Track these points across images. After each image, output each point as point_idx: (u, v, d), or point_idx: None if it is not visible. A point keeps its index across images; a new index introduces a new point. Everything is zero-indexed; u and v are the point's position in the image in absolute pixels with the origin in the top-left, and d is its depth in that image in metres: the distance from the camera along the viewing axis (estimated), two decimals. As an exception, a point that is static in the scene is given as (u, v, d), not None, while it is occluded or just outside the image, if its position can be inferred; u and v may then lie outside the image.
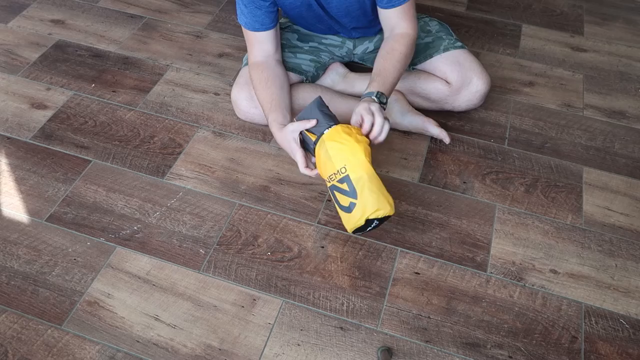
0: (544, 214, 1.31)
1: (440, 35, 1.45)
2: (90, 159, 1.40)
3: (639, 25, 1.90)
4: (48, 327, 1.08)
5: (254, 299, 1.14)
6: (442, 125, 1.47)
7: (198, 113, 1.53)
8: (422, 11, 1.85)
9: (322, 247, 1.23)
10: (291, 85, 1.40)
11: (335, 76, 1.51)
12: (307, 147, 1.18)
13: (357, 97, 1.43)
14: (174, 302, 1.13)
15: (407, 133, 1.47)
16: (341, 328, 1.10)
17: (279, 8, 1.33)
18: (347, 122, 1.19)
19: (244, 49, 1.72)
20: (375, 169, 1.37)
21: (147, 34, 1.79)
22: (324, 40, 1.48)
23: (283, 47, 1.43)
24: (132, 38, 1.77)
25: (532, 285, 1.17)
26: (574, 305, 1.14)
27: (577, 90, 1.64)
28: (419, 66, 1.45)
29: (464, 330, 1.10)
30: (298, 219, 1.28)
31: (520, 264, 1.21)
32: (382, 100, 1.19)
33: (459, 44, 1.44)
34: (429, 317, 1.12)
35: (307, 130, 1.16)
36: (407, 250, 1.22)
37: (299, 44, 1.47)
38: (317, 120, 1.15)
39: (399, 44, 1.27)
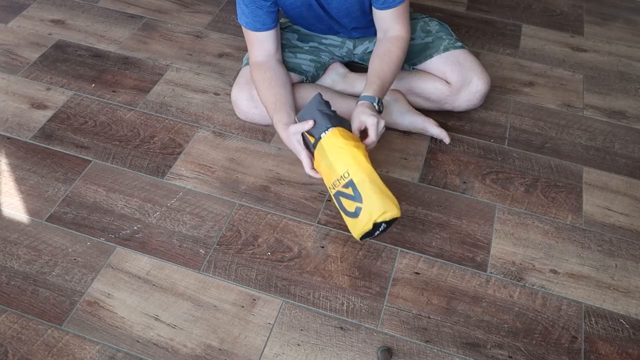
0: (544, 214, 1.31)
1: (440, 35, 1.45)
2: (90, 159, 1.40)
3: (639, 25, 1.91)
4: (48, 327, 1.08)
5: (254, 299, 1.14)
6: (442, 125, 1.47)
7: (198, 113, 1.53)
8: (422, 11, 1.85)
9: (322, 247, 1.23)
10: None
11: (335, 76, 1.51)
12: (309, 148, 1.18)
13: (357, 97, 1.43)
14: (174, 302, 1.13)
15: (407, 133, 1.47)
16: (341, 328, 1.10)
17: (280, 8, 1.33)
18: (348, 117, 1.20)
19: (244, 49, 1.72)
20: (375, 169, 1.37)
21: (147, 34, 1.79)
22: (324, 40, 1.48)
23: (283, 47, 1.43)
24: (132, 38, 1.77)
25: (532, 285, 1.17)
26: (574, 305, 1.14)
27: (577, 90, 1.64)
28: (419, 66, 1.45)
29: (464, 330, 1.10)
30: (298, 219, 1.28)
31: (520, 264, 1.21)
32: (380, 108, 1.22)
33: (459, 44, 1.44)
34: (429, 317, 1.12)
35: (306, 131, 1.16)
36: (407, 250, 1.22)
37: (299, 44, 1.47)
38: (315, 121, 1.14)
39: (395, 47, 1.28)
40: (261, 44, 1.33)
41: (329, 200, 1.31)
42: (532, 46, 1.80)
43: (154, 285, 1.15)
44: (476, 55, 1.68)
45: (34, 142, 1.44)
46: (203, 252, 1.21)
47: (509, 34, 1.84)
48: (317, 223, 1.27)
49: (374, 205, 1.06)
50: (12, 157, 1.40)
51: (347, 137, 1.11)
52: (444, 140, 1.42)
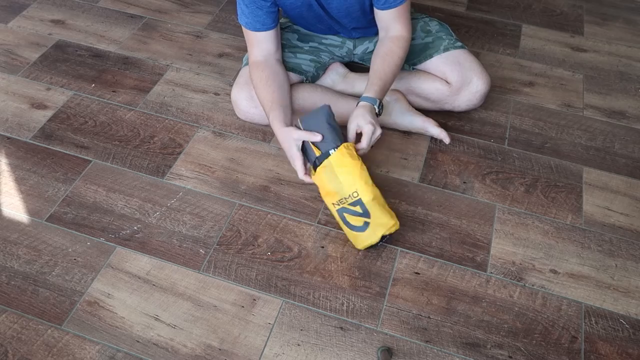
0: (544, 214, 1.31)
1: (440, 35, 1.45)
2: (90, 159, 1.40)
3: (639, 25, 1.91)
4: (48, 327, 1.08)
5: (254, 299, 1.14)
6: (442, 125, 1.47)
7: (198, 113, 1.53)
8: (422, 11, 1.85)
9: (322, 247, 1.23)
10: (291, 85, 1.39)
11: (335, 76, 1.51)
12: (307, 156, 1.19)
13: (357, 97, 1.43)
14: (174, 302, 1.13)
15: (407, 133, 1.47)
16: (341, 328, 1.10)
17: (280, 8, 1.33)
18: (346, 121, 1.21)
19: (244, 49, 1.72)
20: (375, 170, 1.38)
21: (147, 34, 1.79)
22: (324, 40, 1.48)
23: (283, 47, 1.43)
24: (132, 38, 1.77)
25: (532, 285, 1.17)
26: (574, 305, 1.14)
27: (577, 90, 1.64)
28: (419, 66, 1.45)
29: (464, 330, 1.10)
30: (298, 219, 1.28)
31: (520, 264, 1.21)
32: (380, 111, 1.23)
33: (459, 44, 1.44)
34: (429, 317, 1.12)
35: (312, 143, 1.17)
36: (407, 250, 1.22)
37: (299, 44, 1.47)
38: (323, 136, 1.16)
39: (397, 47, 1.28)
40: (261, 44, 1.33)
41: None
42: (532, 46, 1.80)
43: (154, 285, 1.15)
44: (476, 55, 1.68)
45: (34, 142, 1.44)
46: (203, 252, 1.21)
47: (509, 34, 1.84)
48: (317, 223, 1.27)
49: (383, 220, 1.15)
50: (12, 157, 1.40)
51: (352, 154, 1.15)
52: (444, 141, 1.42)
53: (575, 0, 2.02)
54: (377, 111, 1.21)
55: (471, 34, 1.84)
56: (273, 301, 1.13)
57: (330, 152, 1.15)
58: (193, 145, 1.44)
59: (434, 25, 1.48)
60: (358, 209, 1.14)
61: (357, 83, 1.49)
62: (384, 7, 1.27)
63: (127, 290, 1.14)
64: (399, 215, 1.28)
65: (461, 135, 1.48)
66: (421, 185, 1.36)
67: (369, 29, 1.42)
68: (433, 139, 1.46)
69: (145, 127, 1.48)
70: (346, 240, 1.23)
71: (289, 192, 1.33)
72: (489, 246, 1.24)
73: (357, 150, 1.17)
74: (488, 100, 1.55)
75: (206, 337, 1.08)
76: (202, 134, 1.47)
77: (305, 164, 1.19)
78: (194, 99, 1.57)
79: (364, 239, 1.17)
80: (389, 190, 1.34)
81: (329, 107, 1.20)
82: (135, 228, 1.25)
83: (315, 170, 1.18)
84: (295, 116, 1.33)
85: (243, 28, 1.34)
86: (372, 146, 1.20)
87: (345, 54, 1.51)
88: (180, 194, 1.32)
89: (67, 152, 1.41)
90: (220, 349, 1.06)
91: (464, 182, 1.37)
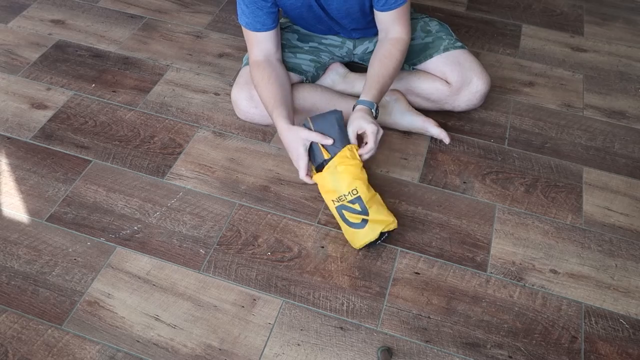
0: (544, 214, 1.31)
1: (440, 35, 1.45)
2: (91, 159, 1.40)
3: (639, 25, 1.91)
4: (48, 327, 1.08)
5: (254, 299, 1.14)
6: (442, 125, 1.47)
7: (198, 113, 1.53)
8: (422, 11, 1.85)
9: (322, 247, 1.23)
10: (291, 85, 1.39)
11: (335, 76, 1.51)
12: (313, 157, 1.19)
13: (357, 97, 1.43)
14: (174, 302, 1.13)
15: (407, 133, 1.47)
16: (341, 328, 1.10)
17: (280, 8, 1.33)
18: (346, 121, 1.21)
19: (244, 49, 1.72)
20: (375, 169, 1.38)
21: (147, 34, 1.79)
22: (324, 41, 1.48)
23: (283, 47, 1.43)
24: (132, 38, 1.77)
25: (532, 285, 1.17)
26: (574, 305, 1.14)
27: (577, 90, 1.64)
28: (419, 66, 1.45)
29: (464, 330, 1.10)
30: (298, 219, 1.28)
31: (520, 264, 1.21)
32: (376, 115, 1.24)
33: (459, 44, 1.44)
34: (429, 317, 1.12)
35: (321, 145, 1.17)
36: (407, 250, 1.23)
37: (299, 44, 1.47)
38: (334, 140, 1.17)
39: (396, 49, 1.28)
40: (261, 44, 1.33)
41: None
42: (532, 46, 1.80)
43: (154, 285, 1.15)
44: (476, 55, 1.68)
45: (34, 142, 1.44)
46: (203, 252, 1.21)
47: (509, 34, 1.84)
48: (317, 223, 1.27)
49: (381, 218, 1.16)
50: (12, 157, 1.40)
51: (354, 155, 1.17)
52: (444, 141, 1.42)
53: (575, 0, 2.02)
54: (374, 115, 1.22)
55: (471, 34, 1.84)
56: (273, 301, 1.13)
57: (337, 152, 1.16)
58: (193, 145, 1.44)
59: (434, 25, 1.48)
60: (357, 206, 1.15)
61: (357, 83, 1.49)
62: (383, 9, 1.27)
63: (127, 290, 1.14)
64: (399, 215, 1.28)
65: (461, 135, 1.48)
66: (421, 185, 1.36)
67: (369, 30, 1.42)
68: (433, 139, 1.46)
69: (145, 127, 1.48)
70: (346, 240, 1.23)
71: (289, 192, 1.33)
72: (489, 246, 1.24)
73: (360, 155, 1.18)
74: (488, 100, 1.55)
75: (206, 337, 1.08)
76: (202, 134, 1.47)
77: (308, 166, 1.19)
78: (194, 99, 1.57)
79: (363, 236, 1.17)
80: (389, 190, 1.34)
81: (342, 112, 1.21)
82: (136, 228, 1.25)
83: (318, 171, 1.18)
84: (296, 115, 1.33)
85: (243, 28, 1.34)
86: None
87: (345, 54, 1.51)
88: (181, 194, 1.32)
89: (67, 152, 1.41)
90: (220, 349, 1.06)
91: (464, 182, 1.37)
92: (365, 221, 1.15)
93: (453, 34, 1.49)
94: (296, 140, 1.19)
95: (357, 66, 1.59)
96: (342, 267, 1.19)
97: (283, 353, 1.06)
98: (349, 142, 1.18)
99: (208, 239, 1.23)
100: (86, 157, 1.40)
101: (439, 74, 1.43)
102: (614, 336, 1.10)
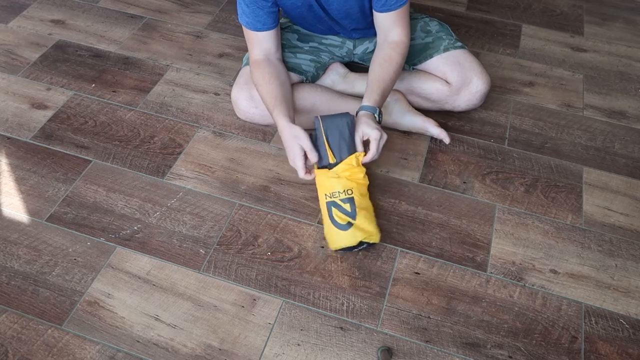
0: (544, 214, 1.31)
1: (440, 35, 1.45)
2: (91, 159, 1.40)
3: (639, 25, 1.91)
4: (48, 327, 1.08)
5: (254, 299, 1.14)
6: (442, 125, 1.47)
7: (198, 113, 1.53)
8: (422, 11, 1.85)
9: (322, 247, 1.23)
10: (291, 85, 1.39)
11: (335, 76, 1.51)
12: (319, 157, 1.17)
13: (357, 97, 1.43)
14: (174, 302, 1.13)
15: (407, 133, 1.47)
16: (341, 328, 1.10)
17: (280, 8, 1.33)
18: None
19: (244, 49, 1.72)
20: (375, 170, 1.38)
21: (147, 34, 1.79)
22: (324, 41, 1.48)
23: (283, 47, 1.43)
24: (132, 38, 1.77)
25: (532, 285, 1.17)
26: (574, 305, 1.14)
27: (577, 90, 1.64)
28: (419, 66, 1.45)
29: (464, 330, 1.10)
30: (298, 219, 1.28)
31: (520, 264, 1.21)
32: (380, 119, 1.23)
33: (459, 44, 1.44)
34: (429, 317, 1.12)
35: (329, 148, 1.17)
36: (407, 250, 1.23)
37: (299, 44, 1.47)
38: (336, 147, 1.17)
39: (395, 53, 1.28)
40: (261, 43, 1.33)
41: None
42: (532, 46, 1.80)
43: (154, 285, 1.15)
44: (476, 55, 1.68)
45: (34, 142, 1.44)
46: (203, 252, 1.21)
47: (509, 34, 1.84)
48: (317, 223, 1.27)
49: (366, 226, 1.15)
50: (12, 157, 1.40)
51: (359, 163, 1.17)
52: (444, 141, 1.42)
53: (575, 0, 2.02)
54: (377, 119, 1.22)
55: (471, 34, 1.84)
56: (273, 301, 1.13)
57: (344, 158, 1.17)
58: (193, 145, 1.44)
59: (434, 25, 1.48)
60: (348, 207, 1.14)
61: (357, 83, 1.49)
62: (382, 10, 1.27)
63: (127, 290, 1.14)
64: (399, 215, 1.28)
65: (461, 135, 1.48)
66: (421, 185, 1.36)
67: (369, 30, 1.42)
68: (433, 139, 1.46)
69: (145, 127, 1.48)
70: (346, 240, 1.23)
71: (289, 192, 1.33)
72: (489, 246, 1.24)
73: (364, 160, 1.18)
74: (488, 100, 1.55)
75: (206, 337, 1.08)
76: (202, 134, 1.47)
77: (305, 163, 1.18)
78: (194, 99, 1.57)
79: (342, 239, 1.15)
80: (389, 190, 1.34)
81: (353, 117, 1.21)
82: (136, 228, 1.25)
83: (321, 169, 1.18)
84: (296, 115, 1.33)
85: (243, 28, 1.34)
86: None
87: (345, 54, 1.51)
88: (181, 194, 1.32)
89: (67, 152, 1.41)
90: (220, 349, 1.06)
91: (464, 182, 1.37)
92: (350, 225, 1.14)
93: (453, 34, 1.49)
94: (296, 139, 1.18)
95: (357, 66, 1.59)
96: (342, 267, 1.19)
97: (283, 353, 1.06)
98: (355, 148, 1.18)
99: (208, 239, 1.23)
100: (86, 157, 1.40)
101: (439, 74, 1.43)
102: (614, 336, 1.10)
